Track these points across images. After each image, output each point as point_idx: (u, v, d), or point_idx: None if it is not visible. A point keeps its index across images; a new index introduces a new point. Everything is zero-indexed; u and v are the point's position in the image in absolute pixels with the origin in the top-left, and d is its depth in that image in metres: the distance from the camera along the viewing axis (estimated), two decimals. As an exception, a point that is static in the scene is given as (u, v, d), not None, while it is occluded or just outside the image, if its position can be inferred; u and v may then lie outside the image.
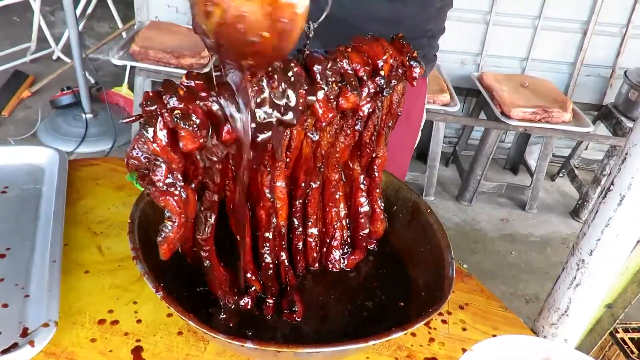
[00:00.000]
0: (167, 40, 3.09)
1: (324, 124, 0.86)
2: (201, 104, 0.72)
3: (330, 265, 1.12)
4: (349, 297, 1.07)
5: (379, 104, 0.96)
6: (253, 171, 0.84)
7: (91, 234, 1.20)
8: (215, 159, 0.78)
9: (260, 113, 0.75)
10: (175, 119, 0.66)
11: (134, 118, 0.70)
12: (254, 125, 0.76)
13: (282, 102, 0.78)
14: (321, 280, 1.10)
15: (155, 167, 0.72)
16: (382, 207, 1.17)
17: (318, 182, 1.03)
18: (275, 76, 0.76)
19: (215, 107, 0.72)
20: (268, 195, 0.89)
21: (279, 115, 0.77)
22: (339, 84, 0.86)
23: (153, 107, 0.67)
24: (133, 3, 3.59)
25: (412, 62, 0.95)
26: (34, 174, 1.33)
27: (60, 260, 1.04)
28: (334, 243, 1.11)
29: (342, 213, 1.13)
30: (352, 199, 1.13)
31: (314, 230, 1.07)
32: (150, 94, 0.68)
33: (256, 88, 0.74)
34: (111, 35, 4.35)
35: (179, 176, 0.73)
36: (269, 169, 0.86)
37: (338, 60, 0.87)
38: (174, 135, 0.69)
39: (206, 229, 0.87)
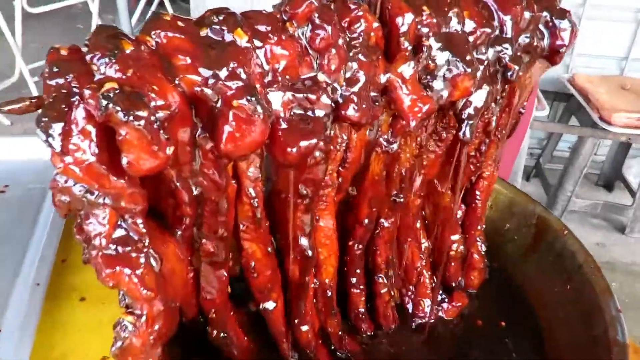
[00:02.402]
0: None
1: (411, 125, 0.48)
2: (178, 78, 0.36)
3: (417, 319, 0.75)
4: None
5: (498, 92, 0.58)
6: (279, 201, 0.48)
7: (96, 249, 0.91)
8: (212, 183, 0.42)
9: (292, 98, 0.39)
10: (106, 103, 0.30)
11: (21, 104, 0.34)
12: (283, 122, 0.40)
13: (334, 79, 0.42)
14: (405, 339, 0.74)
15: (89, 208, 0.36)
16: (483, 252, 0.78)
17: (393, 219, 0.65)
18: (325, 27, 0.40)
19: (200, 79, 0.35)
20: (304, 243, 0.52)
21: (329, 102, 0.40)
22: (442, 56, 0.48)
23: (61, 80, 0.32)
24: (190, 10, 3.34)
25: (558, 22, 0.56)
26: (40, 170, 1.07)
27: (46, 283, 0.83)
28: (421, 290, 0.74)
29: (424, 246, 0.75)
30: (437, 235, 0.75)
31: (386, 289, 0.69)
32: (62, 52, 0.33)
33: (285, 49, 0.38)
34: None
35: (139, 223, 0.37)
36: (307, 201, 0.49)
37: (437, 12, 0.49)
38: (112, 141, 0.33)
39: (214, 290, 0.51)
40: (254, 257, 0.51)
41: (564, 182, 2.87)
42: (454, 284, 0.79)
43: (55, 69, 0.32)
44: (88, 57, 0.33)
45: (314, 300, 0.63)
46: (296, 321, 0.61)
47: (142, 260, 0.38)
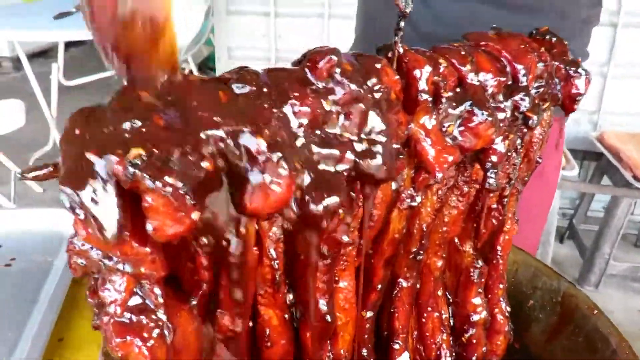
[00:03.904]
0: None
1: (437, 176, 0.46)
2: (208, 138, 0.34)
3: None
4: None
5: (519, 142, 0.57)
6: (298, 263, 0.46)
7: (96, 327, 0.87)
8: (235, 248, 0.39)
9: (316, 156, 0.37)
10: (133, 169, 0.29)
11: (45, 170, 0.32)
12: (307, 179, 0.38)
13: (357, 133, 0.41)
14: None
15: (106, 273, 0.34)
16: (507, 313, 0.74)
17: (413, 279, 0.62)
18: (346, 82, 0.39)
19: (227, 137, 0.34)
20: (324, 307, 0.49)
21: (352, 157, 0.39)
22: (462, 106, 0.48)
23: (82, 146, 0.30)
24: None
25: (571, 70, 0.56)
26: (49, 242, 1.10)
27: None
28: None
29: (445, 317, 0.71)
30: (458, 299, 0.72)
31: (404, 359, 0.65)
32: (84, 113, 0.32)
33: (307, 105, 0.37)
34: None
35: (158, 291, 0.35)
36: (327, 261, 0.47)
37: (453, 64, 0.48)
38: (137, 205, 0.32)
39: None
40: (269, 325, 0.47)
41: (600, 244, 2.76)
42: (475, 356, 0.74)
43: (77, 130, 0.31)
44: (113, 121, 0.32)
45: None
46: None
47: (156, 331, 0.35)
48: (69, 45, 4.05)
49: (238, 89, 0.36)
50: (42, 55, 5.02)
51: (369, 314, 0.62)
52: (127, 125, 0.30)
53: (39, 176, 0.33)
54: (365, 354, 0.63)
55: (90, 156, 0.30)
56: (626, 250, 3.18)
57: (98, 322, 0.35)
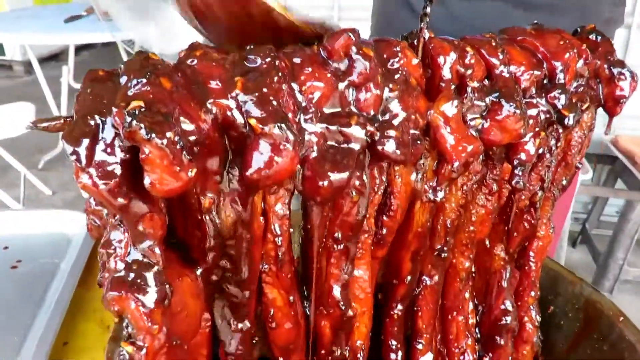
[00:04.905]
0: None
1: (454, 165, 0.45)
2: (210, 102, 0.35)
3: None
4: None
5: (553, 142, 0.55)
6: (311, 247, 0.46)
7: (102, 330, 0.86)
8: (237, 215, 0.40)
9: (324, 130, 0.37)
10: (130, 120, 0.30)
11: (56, 122, 0.34)
12: (314, 153, 0.38)
13: (370, 113, 0.40)
14: None
15: (110, 229, 0.36)
16: (537, 322, 0.71)
17: (437, 277, 0.61)
18: (363, 61, 0.39)
19: (232, 104, 0.35)
20: (337, 294, 0.49)
21: (362, 136, 0.39)
22: (489, 97, 0.46)
23: (92, 97, 0.32)
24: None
25: (616, 70, 0.54)
26: (56, 244, 1.07)
27: None
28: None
29: (471, 321, 0.69)
30: (486, 303, 0.70)
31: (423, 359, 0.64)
32: (98, 73, 0.34)
33: (320, 81, 0.37)
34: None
35: (158, 250, 0.36)
36: (341, 246, 0.47)
37: (482, 54, 0.47)
38: (135, 163, 0.33)
39: (234, 342, 0.48)
40: (273, 305, 0.48)
41: (614, 249, 2.68)
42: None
43: (90, 90, 0.33)
44: (122, 79, 0.33)
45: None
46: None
47: (153, 289, 0.36)
48: (79, 48, 4.16)
49: (250, 61, 0.37)
50: (53, 58, 5.10)
51: (398, 306, 0.61)
52: (133, 82, 0.31)
53: (50, 127, 0.34)
54: (394, 346, 0.63)
55: (96, 116, 0.31)
56: (640, 255, 3.04)
57: (101, 280, 0.37)
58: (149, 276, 0.36)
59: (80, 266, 0.96)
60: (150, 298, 0.36)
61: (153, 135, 0.29)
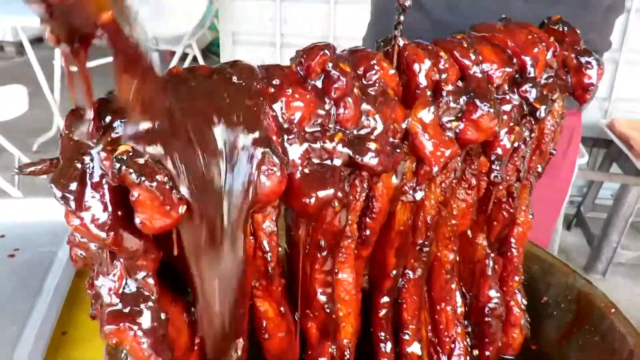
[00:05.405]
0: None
1: (434, 170, 0.46)
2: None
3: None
4: None
5: (527, 133, 0.56)
6: (297, 255, 0.47)
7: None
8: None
9: (308, 149, 0.38)
10: (119, 166, 0.30)
11: (41, 165, 0.34)
12: (299, 173, 0.39)
13: (351, 127, 0.41)
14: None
15: (100, 264, 0.36)
16: (523, 306, 0.73)
17: (420, 270, 0.62)
18: (339, 77, 0.39)
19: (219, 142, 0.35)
20: (322, 298, 0.50)
21: (345, 151, 0.39)
22: (463, 98, 0.47)
23: (79, 139, 0.32)
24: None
25: (583, 59, 0.55)
26: (53, 233, 1.05)
27: (43, 355, 0.77)
28: None
29: (459, 310, 0.71)
30: (472, 292, 0.71)
31: (414, 349, 0.65)
32: (79, 112, 0.33)
33: (300, 100, 0.38)
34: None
35: (151, 281, 0.36)
36: (324, 253, 0.47)
37: (455, 56, 0.48)
38: (125, 200, 0.33)
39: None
40: (265, 317, 0.49)
41: (609, 232, 2.72)
42: (488, 347, 0.73)
43: (72, 129, 0.32)
44: (107, 119, 0.33)
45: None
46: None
47: (149, 319, 0.37)
48: (71, 29, 4.09)
49: (232, 83, 0.37)
50: (45, 40, 5.11)
51: (385, 299, 0.62)
52: (116, 124, 0.31)
53: (36, 171, 0.34)
54: (383, 337, 0.64)
55: (83, 158, 0.31)
56: (634, 238, 3.06)
57: (95, 313, 0.37)
58: (145, 307, 0.36)
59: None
60: (147, 328, 0.36)
61: (143, 178, 0.30)
